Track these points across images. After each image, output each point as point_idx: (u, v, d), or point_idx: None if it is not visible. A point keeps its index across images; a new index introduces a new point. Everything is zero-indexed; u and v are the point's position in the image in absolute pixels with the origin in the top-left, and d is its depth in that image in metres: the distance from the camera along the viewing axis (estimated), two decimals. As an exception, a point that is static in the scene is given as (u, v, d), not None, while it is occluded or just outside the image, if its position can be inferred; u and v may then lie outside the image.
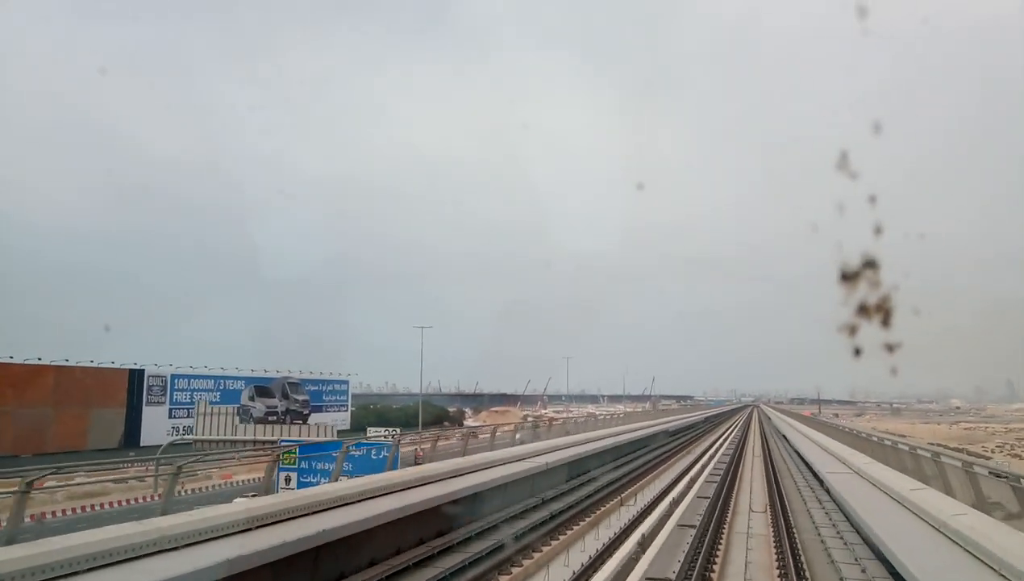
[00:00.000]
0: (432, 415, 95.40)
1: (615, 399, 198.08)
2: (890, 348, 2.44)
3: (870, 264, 2.34)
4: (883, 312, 2.38)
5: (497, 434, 30.67)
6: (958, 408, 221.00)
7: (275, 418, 66.70)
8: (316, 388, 72.95)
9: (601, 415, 58.90)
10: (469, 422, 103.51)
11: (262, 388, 66.44)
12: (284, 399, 68.89)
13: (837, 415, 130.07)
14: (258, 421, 64.05)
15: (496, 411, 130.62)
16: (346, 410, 76.64)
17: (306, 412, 71.12)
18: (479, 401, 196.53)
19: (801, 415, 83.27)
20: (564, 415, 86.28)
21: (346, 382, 76.91)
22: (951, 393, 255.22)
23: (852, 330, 2.41)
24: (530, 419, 76.52)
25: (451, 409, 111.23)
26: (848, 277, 2.36)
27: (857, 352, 2.42)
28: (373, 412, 79.06)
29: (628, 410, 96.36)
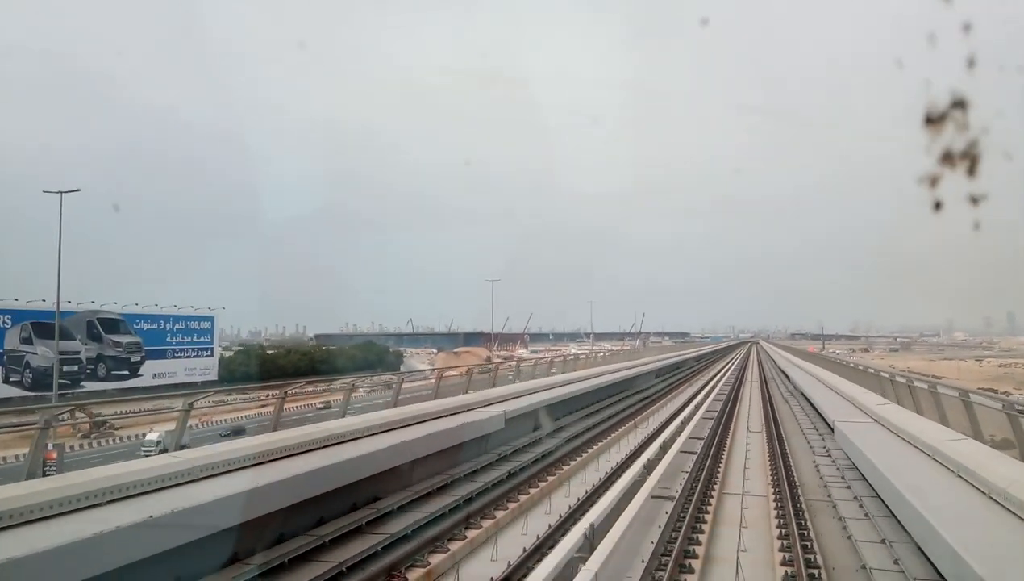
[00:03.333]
0: (357, 360, 73.63)
1: (603, 337, 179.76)
2: (974, 200, 2.39)
3: (959, 104, 2.21)
4: (969, 159, 2.29)
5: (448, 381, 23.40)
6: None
7: (76, 369, 44.26)
8: (155, 327, 50.31)
9: (583, 355, 51.00)
10: (415, 363, 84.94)
11: (45, 326, 43.37)
12: (94, 341, 46.29)
13: (867, 350, 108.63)
14: (38, 380, 41.58)
15: (455, 353, 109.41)
16: (210, 355, 54.35)
17: (136, 359, 48.83)
18: (453, 340, 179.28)
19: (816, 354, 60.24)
20: (540, 355, 67.93)
21: (210, 318, 54.56)
22: (955, 326, 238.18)
23: (933, 181, 2.31)
24: (493, 362, 58.61)
25: (391, 349, 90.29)
26: (933, 121, 2.24)
27: (937, 206, 2.34)
28: (257, 357, 56.70)
29: (614, 348, 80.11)
